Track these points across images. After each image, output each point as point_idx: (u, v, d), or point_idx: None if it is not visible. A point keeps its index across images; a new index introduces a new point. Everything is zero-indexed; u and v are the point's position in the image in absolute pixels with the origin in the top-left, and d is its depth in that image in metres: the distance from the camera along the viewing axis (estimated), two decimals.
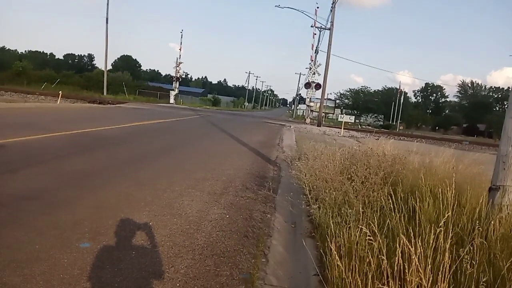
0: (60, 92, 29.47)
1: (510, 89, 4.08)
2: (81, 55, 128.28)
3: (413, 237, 2.68)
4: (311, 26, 38.47)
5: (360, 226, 3.10)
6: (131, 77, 75.96)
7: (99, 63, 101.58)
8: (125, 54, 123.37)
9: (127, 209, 4.73)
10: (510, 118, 3.92)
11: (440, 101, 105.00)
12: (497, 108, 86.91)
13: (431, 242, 2.78)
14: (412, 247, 2.53)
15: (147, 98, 53.01)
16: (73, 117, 17.26)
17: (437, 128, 79.48)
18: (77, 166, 6.93)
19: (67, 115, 18.29)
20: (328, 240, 3.38)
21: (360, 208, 3.87)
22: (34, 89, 40.77)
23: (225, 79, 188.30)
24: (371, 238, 2.89)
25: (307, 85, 36.96)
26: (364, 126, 55.33)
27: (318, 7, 39.11)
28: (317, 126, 31.91)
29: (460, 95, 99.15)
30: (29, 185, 5.40)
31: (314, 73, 35.93)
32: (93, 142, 10.01)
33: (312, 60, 37.97)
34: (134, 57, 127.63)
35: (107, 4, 47.45)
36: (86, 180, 6.01)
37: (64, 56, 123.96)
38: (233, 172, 7.98)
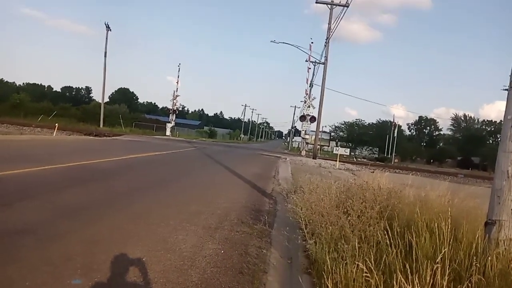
0: (56, 124, 29.53)
1: (502, 123, 4.15)
2: (78, 87, 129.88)
3: (410, 273, 2.65)
4: (306, 61, 39.36)
5: (357, 262, 3.07)
6: (128, 110, 76.59)
7: (97, 95, 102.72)
8: (123, 87, 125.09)
9: (121, 244, 4.66)
10: (503, 152, 3.96)
11: (434, 134, 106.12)
12: (491, 141, 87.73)
13: (429, 278, 2.75)
14: (409, 285, 2.50)
15: (143, 131, 53.17)
16: (68, 150, 17.22)
17: (431, 161, 79.82)
18: (71, 200, 6.87)
19: (63, 147, 18.26)
20: (325, 276, 3.33)
21: (357, 243, 3.83)
22: (31, 121, 40.81)
23: (221, 111, 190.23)
24: (368, 274, 2.85)
25: (302, 118, 37.32)
26: (359, 159, 55.49)
27: (312, 42, 40.20)
28: (313, 158, 31.97)
29: (454, 128, 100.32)
30: (23, 219, 5.33)
31: (309, 106, 36.35)
32: (88, 175, 9.96)
33: (307, 94, 38.52)
34: (131, 90, 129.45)
35: (106, 38, 48.43)
36: (80, 214, 5.94)
37: (62, 88, 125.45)
38: (228, 205, 7.92)
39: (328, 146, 67.01)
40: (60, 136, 27.13)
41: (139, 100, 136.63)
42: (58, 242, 4.50)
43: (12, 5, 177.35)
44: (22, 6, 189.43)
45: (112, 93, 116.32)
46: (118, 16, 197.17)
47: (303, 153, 39.67)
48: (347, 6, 28.87)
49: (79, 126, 41.86)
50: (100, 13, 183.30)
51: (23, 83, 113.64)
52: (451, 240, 3.56)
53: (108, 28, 48.51)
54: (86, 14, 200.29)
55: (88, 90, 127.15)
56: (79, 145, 20.53)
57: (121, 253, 4.33)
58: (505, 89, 4.11)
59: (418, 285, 2.56)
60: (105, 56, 48.37)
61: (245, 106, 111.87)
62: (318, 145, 39.82)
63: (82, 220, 5.61)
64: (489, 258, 3.17)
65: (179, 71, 54.22)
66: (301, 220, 5.88)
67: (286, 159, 27.87)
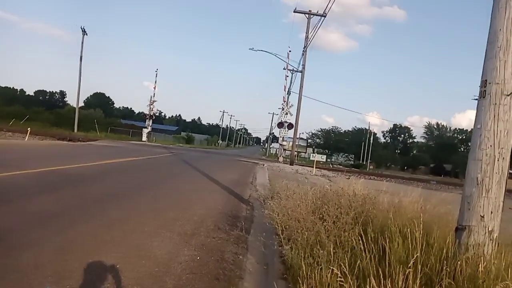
0: (28, 128, 28.75)
1: (472, 132, 4.28)
2: (52, 91, 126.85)
3: (383, 278, 2.70)
4: (284, 69, 39.81)
5: (331, 267, 3.10)
6: (103, 115, 75.40)
7: (71, 100, 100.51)
8: (98, 92, 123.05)
9: (94, 251, 4.57)
10: (473, 160, 4.09)
11: (408, 141, 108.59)
12: (462, 149, 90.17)
13: (401, 283, 2.80)
14: None
15: (119, 136, 52.37)
16: (41, 155, 16.79)
17: (405, 167, 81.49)
18: (42, 206, 6.69)
19: (35, 152, 17.79)
20: (300, 282, 3.36)
21: (332, 249, 3.87)
22: (2, 125, 39.60)
23: (199, 117, 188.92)
24: (342, 279, 2.88)
25: (280, 125, 37.54)
26: (335, 165, 56.13)
27: (290, 51, 40.32)
28: (290, 164, 32.15)
29: (427, 136, 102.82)
30: None
31: (286, 113, 36.62)
32: (61, 180, 9.73)
33: (285, 101, 38.87)
34: (107, 95, 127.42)
35: (82, 42, 47.60)
36: (52, 221, 5.79)
37: (35, 92, 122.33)
38: (205, 211, 7.88)
39: (305, 152, 67.57)
40: (33, 141, 26.44)
41: (115, 105, 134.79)
42: (28, 250, 4.38)
43: None
44: None
45: (88, 97, 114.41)
46: (95, 21, 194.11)
47: (281, 159, 39.85)
48: (324, 16, 29.32)
49: (53, 131, 40.85)
50: (77, 17, 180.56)
51: None
52: (423, 245, 3.64)
53: (84, 32, 47.76)
54: (62, 18, 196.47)
55: (62, 94, 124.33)
56: (52, 150, 20.05)
57: (95, 260, 4.25)
58: (475, 99, 4.25)
59: None
60: (81, 60, 47.54)
61: (223, 112, 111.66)
62: (295, 151, 40.12)
63: (54, 227, 5.48)
64: (459, 262, 3.26)
65: (156, 76, 53.86)
66: (278, 226, 5.90)
67: (263, 165, 27.93)
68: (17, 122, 46.99)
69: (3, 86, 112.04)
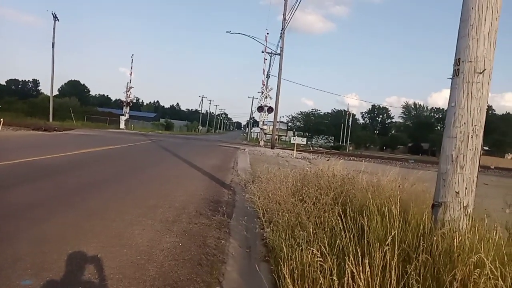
0: (1, 119, 27.93)
1: (446, 110, 4.36)
2: (25, 80, 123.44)
3: (361, 256, 2.75)
4: (262, 52, 39.47)
5: (312, 248, 3.14)
6: (79, 103, 73.73)
7: (45, 88, 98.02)
8: (73, 79, 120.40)
9: (74, 241, 4.51)
10: (448, 138, 4.17)
11: (387, 122, 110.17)
12: (439, 127, 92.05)
13: (379, 260, 2.86)
14: (360, 266, 2.59)
15: (96, 124, 51.44)
16: (15, 146, 16.37)
17: (384, 148, 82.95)
18: (20, 197, 6.55)
19: (9, 143, 17.34)
20: (282, 263, 3.39)
21: (311, 229, 3.92)
22: None
23: (178, 103, 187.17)
24: (322, 259, 2.93)
25: (260, 109, 37.48)
26: (315, 148, 56.62)
27: (268, 33, 40.38)
28: (271, 148, 32.26)
29: (405, 116, 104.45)
30: None
31: (266, 97, 36.54)
32: (37, 171, 9.52)
33: (264, 85, 38.69)
34: (82, 82, 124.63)
35: (54, 28, 46.31)
36: (29, 212, 5.67)
37: (7, 81, 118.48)
38: (186, 198, 7.85)
39: (286, 136, 67.94)
40: (6, 132, 25.71)
41: (91, 93, 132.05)
42: (4, 243, 4.30)
43: None
44: None
45: (62, 85, 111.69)
46: (68, 7, 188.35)
47: (262, 143, 39.92)
48: None
49: (27, 121, 39.80)
50: (49, 2, 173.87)
51: None
52: (401, 222, 3.72)
53: (55, 18, 46.41)
54: (34, 3, 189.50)
55: (35, 83, 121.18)
56: (27, 141, 19.56)
57: (75, 251, 4.20)
58: (450, 78, 4.31)
59: (369, 266, 2.67)
60: (53, 47, 46.31)
61: (203, 97, 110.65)
62: (276, 135, 40.22)
63: (31, 218, 5.37)
64: (435, 237, 3.34)
65: (132, 62, 53.00)
66: (259, 209, 5.95)
67: (245, 150, 27.95)
68: None
69: None
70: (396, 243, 3.09)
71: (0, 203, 6.08)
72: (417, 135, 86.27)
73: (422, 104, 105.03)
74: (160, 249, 4.59)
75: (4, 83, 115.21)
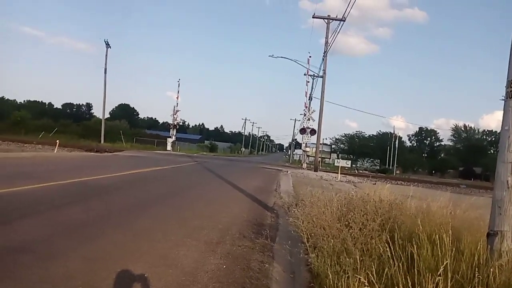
0: (57, 141, 29.59)
1: (500, 133, 4.17)
2: (79, 104, 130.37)
3: (411, 286, 2.64)
4: (304, 74, 39.63)
5: (358, 276, 3.05)
6: (128, 125, 76.88)
7: (97, 112, 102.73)
8: (123, 103, 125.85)
9: (122, 260, 4.64)
10: (502, 163, 3.97)
11: (435, 145, 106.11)
12: (492, 151, 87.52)
13: None
14: None
15: (144, 146, 53.34)
16: (69, 166, 17.24)
17: (433, 171, 79.74)
18: (71, 216, 6.86)
19: (64, 164, 18.28)
20: None
21: (358, 256, 3.81)
22: (31, 138, 40.97)
23: (221, 125, 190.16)
24: None
25: (302, 131, 37.40)
26: (360, 171, 55.41)
27: (310, 56, 39.98)
28: (314, 171, 31.95)
29: (454, 139, 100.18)
30: (23, 236, 5.31)
31: (308, 119, 36.47)
32: (89, 191, 9.95)
33: (306, 107, 38.67)
34: (131, 106, 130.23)
35: (106, 55, 49.06)
36: (80, 231, 5.92)
37: (63, 105, 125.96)
38: (230, 219, 7.90)
39: (329, 158, 66.88)
40: (61, 153, 27.17)
41: (139, 116, 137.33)
42: (57, 260, 4.48)
43: (12, 24, 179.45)
44: (22, 25, 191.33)
45: (113, 109, 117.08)
46: (117, 33, 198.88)
47: (304, 165, 39.63)
48: (344, 20, 29.27)
49: (80, 143, 41.95)
50: (99, 29, 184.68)
51: (24, 101, 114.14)
52: (453, 251, 3.54)
53: (107, 45, 49.20)
54: (85, 31, 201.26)
55: (88, 106, 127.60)
56: (80, 161, 20.55)
57: (123, 270, 4.31)
58: (503, 99, 4.13)
59: None
60: (105, 72, 48.92)
61: (245, 119, 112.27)
62: (319, 157, 39.81)
63: (82, 237, 5.59)
64: (492, 269, 3.15)
65: (179, 86, 54.52)
66: (303, 234, 5.86)
67: (287, 172, 27.84)
68: (46, 134, 48.57)
69: (32, 100, 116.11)
70: (449, 273, 2.94)
71: (53, 222, 6.37)
72: (468, 159, 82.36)
73: (473, 127, 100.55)
74: (205, 271, 4.62)
75: (60, 107, 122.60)
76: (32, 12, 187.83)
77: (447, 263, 3.01)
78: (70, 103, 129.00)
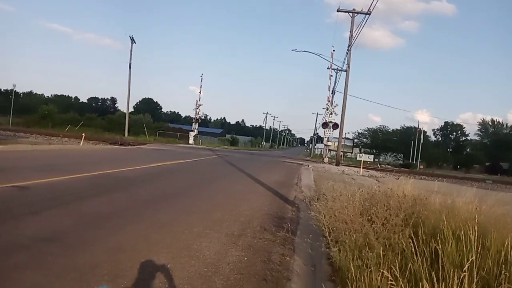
0: (83, 134, 30.30)
1: None
2: (104, 98, 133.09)
3: (436, 281, 2.61)
4: (328, 68, 39.20)
5: (382, 270, 3.03)
6: (151, 119, 77.97)
7: (121, 106, 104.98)
8: (147, 97, 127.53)
9: (146, 251, 4.74)
10: None
11: (461, 139, 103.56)
12: None
13: (456, 287, 2.69)
14: None
15: (167, 139, 54.00)
16: (94, 159, 17.62)
17: (458, 167, 77.89)
18: (97, 208, 7.02)
19: (89, 156, 18.70)
20: (349, 284, 3.31)
21: (381, 251, 3.78)
22: (58, 131, 42.08)
23: (243, 119, 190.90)
24: (393, 282, 2.81)
25: (324, 125, 37.08)
26: (383, 165, 54.68)
27: (334, 50, 39.64)
28: (336, 165, 31.70)
29: (481, 134, 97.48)
30: (50, 226, 5.48)
31: (331, 113, 36.09)
32: (113, 183, 10.16)
33: (329, 101, 38.27)
34: (155, 100, 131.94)
35: (131, 50, 49.64)
36: (105, 222, 6.07)
37: (88, 99, 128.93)
38: (250, 212, 7.94)
39: (352, 152, 66.21)
40: (87, 146, 27.78)
41: (162, 110, 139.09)
42: (84, 250, 4.61)
43: (42, 21, 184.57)
44: (51, 22, 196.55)
45: (137, 103, 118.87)
46: (141, 27, 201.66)
47: (326, 160, 39.37)
48: (369, 14, 28.76)
49: (105, 136, 42.81)
50: (124, 25, 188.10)
51: (51, 95, 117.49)
52: (479, 248, 3.47)
53: (132, 40, 49.76)
54: (111, 27, 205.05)
55: (113, 100, 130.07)
56: (105, 154, 20.98)
57: (146, 260, 4.40)
58: None
59: None
60: (130, 67, 49.56)
61: (267, 113, 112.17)
62: (341, 151, 39.47)
63: (107, 228, 5.73)
64: None
65: (201, 81, 54.82)
66: (325, 228, 5.85)
67: (308, 166, 27.73)
68: (72, 128, 49.77)
69: (59, 94, 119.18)
70: (474, 269, 2.89)
71: (80, 213, 6.54)
72: (496, 154, 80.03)
73: (501, 121, 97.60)
74: (226, 262, 4.67)
75: (85, 101, 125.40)
76: (60, 9, 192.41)
77: (472, 259, 2.96)
78: (95, 97, 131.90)
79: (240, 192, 11.33)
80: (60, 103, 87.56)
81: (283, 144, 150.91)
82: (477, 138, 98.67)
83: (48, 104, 66.65)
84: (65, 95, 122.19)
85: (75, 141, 31.86)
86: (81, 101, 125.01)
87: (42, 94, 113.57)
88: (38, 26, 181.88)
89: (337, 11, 32.53)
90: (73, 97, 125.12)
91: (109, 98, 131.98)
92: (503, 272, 2.97)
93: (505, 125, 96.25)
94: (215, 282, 4.02)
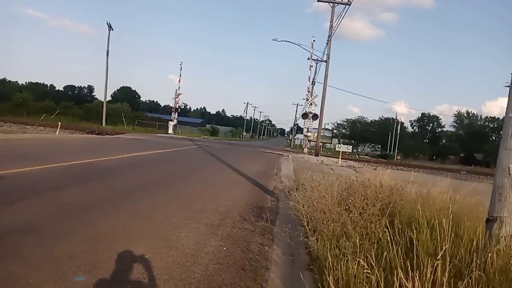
0: (59, 123, 29.62)
1: (504, 120, 4.15)
2: (81, 86, 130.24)
3: (411, 270, 2.67)
4: (308, 59, 39.37)
5: (358, 259, 3.08)
6: (130, 108, 76.70)
7: (99, 94, 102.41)
8: (125, 86, 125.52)
9: (124, 242, 4.69)
10: (504, 150, 3.97)
11: (437, 131, 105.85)
12: (494, 137, 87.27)
13: (429, 275, 2.76)
14: (410, 281, 2.51)
15: (145, 129, 53.33)
16: (71, 148, 17.28)
17: (434, 157, 79.71)
18: (73, 198, 6.91)
19: (65, 146, 18.33)
20: (326, 273, 3.36)
21: (358, 240, 3.85)
22: (33, 120, 41.02)
23: (223, 109, 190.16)
24: (369, 271, 2.87)
25: (304, 116, 37.33)
26: (361, 156, 55.44)
27: (314, 40, 39.76)
28: (315, 155, 31.97)
29: (456, 125, 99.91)
30: (25, 217, 5.37)
31: (311, 104, 36.34)
32: (90, 173, 10.00)
33: (309, 91, 38.49)
34: (133, 89, 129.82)
35: (108, 37, 48.59)
36: (82, 212, 5.97)
37: (64, 87, 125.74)
38: (230, 203, 7.95)
39: (331, 143, 66.81)
40: (63, 135, 27.22)
41: (141, 99, 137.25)
42: (60, 240, 4.54)
43: (16, 6, 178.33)
44: (25, 7, 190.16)
45: (115, 91, 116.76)
46: (119, 15, 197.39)
47: (305, 150, 39.66)
48: (349, 4, 28.76)
49: (82, 125, 42.01)
50: (102, 12, 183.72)
51: (26, 82, 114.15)
52: (452, 236, 3.57)
53: (110, 27, 48.71)
54: (88, 13, 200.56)
55: (90, 89, 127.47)
56: (82, 144, 20.60)
57: (124, 251, 4.36)
58: (507, 86, 4.11)
59: (419, 281, 2.58)
60: (107, 55, 48.54)
61: (247, 104, 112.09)
62: (321, 142, 39.81)
63: (84, 218, 5.65)
64: (490, 254, 3.18)
65: (181, 69, 54.30)
66: (303, 217, 5.90)
67: (288, 156, 27.88)
68: (48, 116, 48.59)
69: (34, 82, 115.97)
70: (448, 257, 2.97)
71: (55, 203, 6.42)
72: (470, 145, 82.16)
73: (475, 113, 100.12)
74: (205, 252, 4.67)
75: (62, 89, 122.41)
76: None
77: (446, 248, 3.04)
78: (72, 85, 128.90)
79: (220, 182, 11.31)
80: (35, 91, 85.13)
81: (263, 135, 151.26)
82: (452, 129, 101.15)
83: (23, 92, 64.76)
84: (40, 83, 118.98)
85: (51, 130, 31.13)
86: (57, 89, 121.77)
87: (16, 82, 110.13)
88: (11, 11, 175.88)
89: (318, 0, 32.48)
90: (48, 85, 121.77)
91: (86, 86, 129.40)
92: (474, 260, 3.06)
93: (479, 117, 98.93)
94: (193, 272, 4.02)
